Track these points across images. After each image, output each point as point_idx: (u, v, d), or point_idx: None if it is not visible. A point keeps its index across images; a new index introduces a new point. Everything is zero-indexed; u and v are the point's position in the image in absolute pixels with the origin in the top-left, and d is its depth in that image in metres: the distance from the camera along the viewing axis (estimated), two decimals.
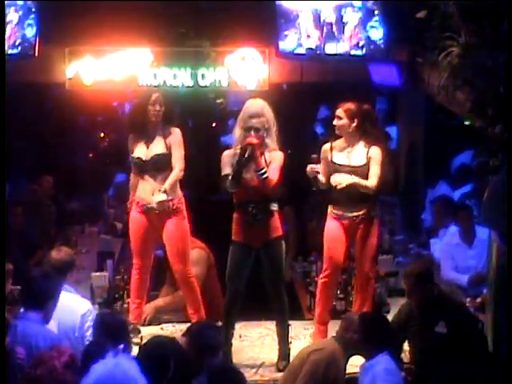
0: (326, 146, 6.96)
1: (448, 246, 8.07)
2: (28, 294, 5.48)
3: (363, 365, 5.71)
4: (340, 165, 6.84)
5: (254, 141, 6.50)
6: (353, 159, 6.84)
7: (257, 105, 6.67)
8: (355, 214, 6.82)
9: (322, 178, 6.83)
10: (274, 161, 6.64)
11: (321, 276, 7.01)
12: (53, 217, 9.51)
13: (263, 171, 6.52)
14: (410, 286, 6.34)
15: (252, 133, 6.55)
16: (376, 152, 6.84)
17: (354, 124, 6.84)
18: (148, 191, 6.95)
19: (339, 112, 6.88)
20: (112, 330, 5.24)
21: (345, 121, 6.85)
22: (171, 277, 7.56)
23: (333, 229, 6.90)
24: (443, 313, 6.26)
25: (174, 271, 7.09)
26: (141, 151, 6.98)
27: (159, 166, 6.93)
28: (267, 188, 6.58)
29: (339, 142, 6.94)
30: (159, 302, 7.64)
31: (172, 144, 6.95)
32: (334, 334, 6.01)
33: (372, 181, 6.76)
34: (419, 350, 6.27)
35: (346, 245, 6.92)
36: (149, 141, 6.98)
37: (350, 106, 6.87)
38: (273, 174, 6.59)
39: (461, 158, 10.20)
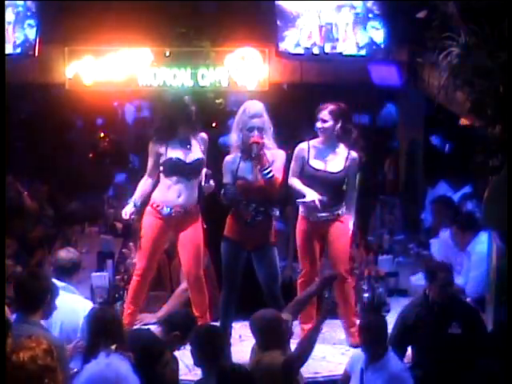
0: (303, 146, 6.85)
1: (444, 243, 8.09)
2: (22, 296, 5.38)
3: (369, 366, 5.60)
4: (316, 169, 6.76)
5: (260, 140, 6.48)
6: (330, 165, 6.75)
7: (257, 105, 6.65)
8: (323, 214, 6.73)
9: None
10: (277, 160, 6.61)
11: (299, 276, 6.91)
12: (50, 221, 9.48)
13: (268, 170, 6.49)
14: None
15: (256, 132, 6.52)
16: (355, 161, 6.77)
17: (339, 125, 6.78)
18: (175, 194, 6.73)
19: (324, 115, 6.79)
20: (105, 325, 5.25)
21: (331, 123, 6.78)
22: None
23: (303, 229, 6.84)
24: (457, 314, 6.15)
25: (187, 274, 6.88)
26: (178, 153, 6.71)
27: (198, 170, 6.72)
28: (273, 187, 6.54)
29: (317, 143, 6.85)
30: (161, 313, 7.25)
31: (205, 150, 6.81)
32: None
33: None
34: (430, 350, 6.10)
35: (318, 244, 6.85)
36: (184, 144, 6.75)
37: (334, 107, 6.78)
38: (278, 173, 6.56)
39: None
